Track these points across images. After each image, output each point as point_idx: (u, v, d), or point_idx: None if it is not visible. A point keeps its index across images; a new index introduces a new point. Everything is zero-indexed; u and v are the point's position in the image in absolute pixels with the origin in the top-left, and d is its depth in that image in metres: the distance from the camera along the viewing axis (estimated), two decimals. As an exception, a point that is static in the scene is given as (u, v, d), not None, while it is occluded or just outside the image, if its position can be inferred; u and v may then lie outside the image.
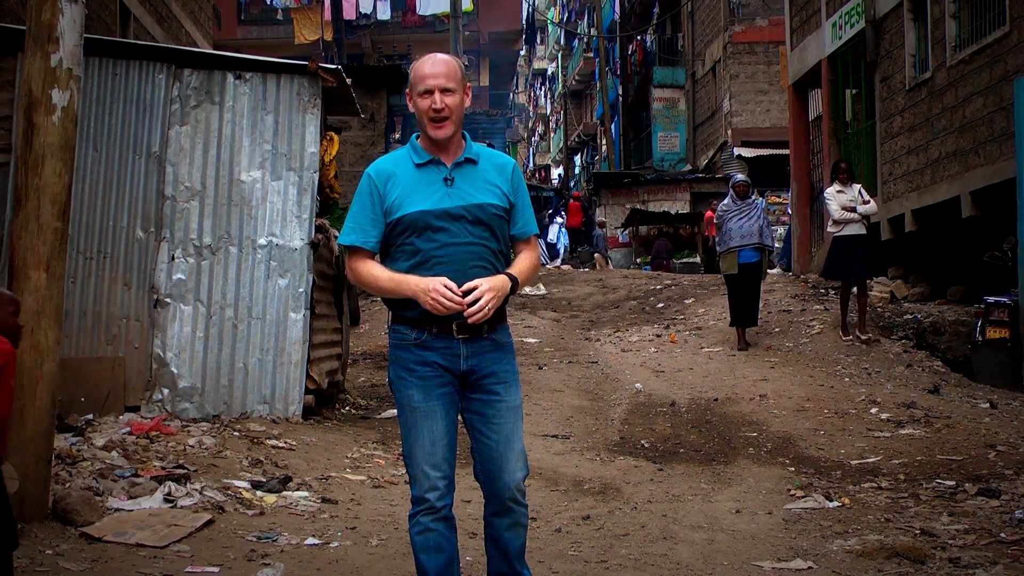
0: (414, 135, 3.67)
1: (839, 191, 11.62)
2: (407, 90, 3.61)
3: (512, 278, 3.54)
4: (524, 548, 3.72)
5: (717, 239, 12.28)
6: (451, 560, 3.58)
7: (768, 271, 13.13)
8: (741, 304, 11.89)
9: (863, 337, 11.43)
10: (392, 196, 3.55)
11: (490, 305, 3.43)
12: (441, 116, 3.51)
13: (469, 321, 3.44)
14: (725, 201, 12.19)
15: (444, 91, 3.51)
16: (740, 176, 12.59)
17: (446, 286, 3.40)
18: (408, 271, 3.52)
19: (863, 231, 11.55)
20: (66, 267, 5.07)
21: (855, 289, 11.59)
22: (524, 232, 3.70)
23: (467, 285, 3.43)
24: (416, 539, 3.55)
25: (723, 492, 6.60)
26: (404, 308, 3.57)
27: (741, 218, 11.83)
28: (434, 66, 3.54)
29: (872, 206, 11.74)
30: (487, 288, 3.43)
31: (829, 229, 11.81)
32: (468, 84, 3.63)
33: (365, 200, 3.58)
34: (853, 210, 11.41)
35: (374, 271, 3.56)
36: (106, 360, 7.70)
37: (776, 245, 12.51)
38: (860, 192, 11.70)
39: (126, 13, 14.81)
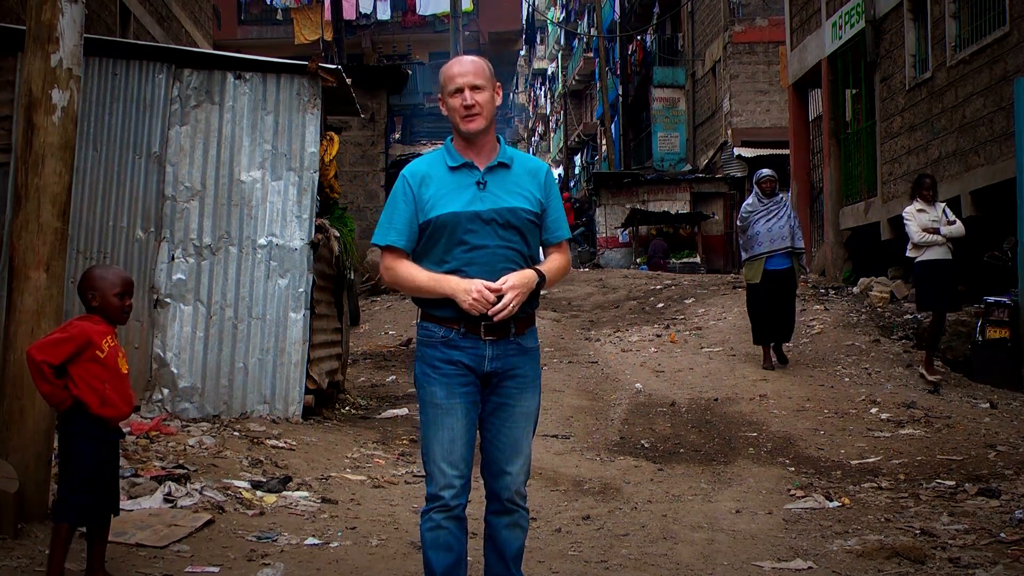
0: (448, 138, 3.69)
1: (920, 210, 10.03)
2: (439, 95, 3.65)
3: (540, 273, 3.58)
4: (522, 552, 3.73)
5: (741, 244, 10.99)
6: (459, 560, 3.59)
7: (802, 276, 11.67)
8: (768, 318, 10.53)
9: (931, 377, 9.96)
10: (425, 197, 3.58)
11: (514, 303, 3.48)
12: (472, 112, 3.54)
13: (495, 319, 3.48)
14: (749, 200, 10.81)
15: (473, 88, 3.55)
16: (766, 171, 10.88)
17: (487, 287, 3.46)
18: (439, 269, 3.56)
19: (950, 255, 9.97)
20: (66, 267, 5.07)
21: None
22: (556, 237, 3.73)
23: (497, 283, 3.47)
24: (426, 536, 3.56)
25: (723, 492, 6.60)
26: (435, 307, 3.59)
27: (769, 219, 10.48)
28: (462, 65, 3.59)
29: (959, 227, 10.02)
30: (511, 286, 3.47)
31: (909, 254, 10.20)
32: (498, 84, 3.67)
33: (399, 200, 3.61)
34: (936, 232, 9.89)
35: (412, 271, 3.59)
36: (106, 360, 7.69)
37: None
38: (945, 211, 10.13)
39: (126, 13, 14.81)
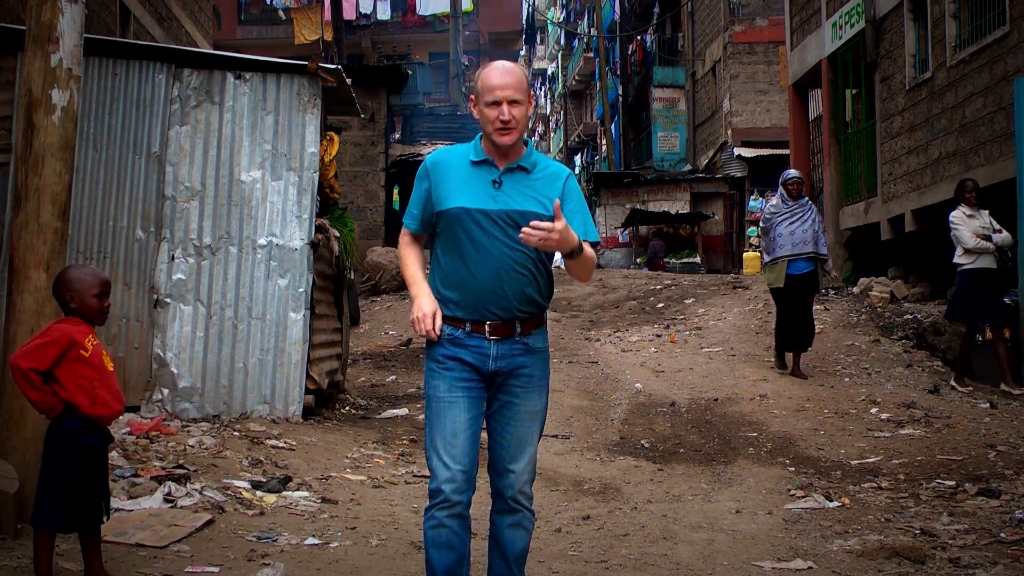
0: (479, 135, 3.69)
1: (969, 215, 9.69)
2: (471, 96, 3.64)
3: (580, 243, 3.50)
4: (525, 554, 3.73)
5: (763, 246, 10.62)
6: (461, 560, 3.58)
7: (822, 286, 11.36)
8: (792, 323, 10.21)
9: (1016, 391, 9.46)
10: (440, 187, 3.62)
11: (539, 236, 3.36)
12: (508, 127, 3.54)
13: (520, 236, 3.39)
14: (773, 202, 10.44)
15: (512, 103, 3.54)
16: (792, 172, 10.54)
17: (433, 321, 3.54)
18: (448, 264, 3.61)
19: (995, 265, 9.69)
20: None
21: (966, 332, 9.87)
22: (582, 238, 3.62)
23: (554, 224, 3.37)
24: (428, 533, 3.57)
25: (723, 492, 6.60)
26: (441, 305, 3.64)
27: (793, 222, 10.10)
28: (503, 77, 3.55)
29: (1006, 235, 9.71)
30: (558, 226, 3.36)
31: (958, 260, 9.77)
32: (532, 92, 3.65)
33: (418, 186, 3.71)
34: (988, 239, 9.59)
35: (407, 258, 3.76)
36: (106, 360, 7.69)
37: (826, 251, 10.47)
38: (991, 220, 9.80)
39: (126, 13, 14.81)
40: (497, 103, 3.54)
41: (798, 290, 10.15)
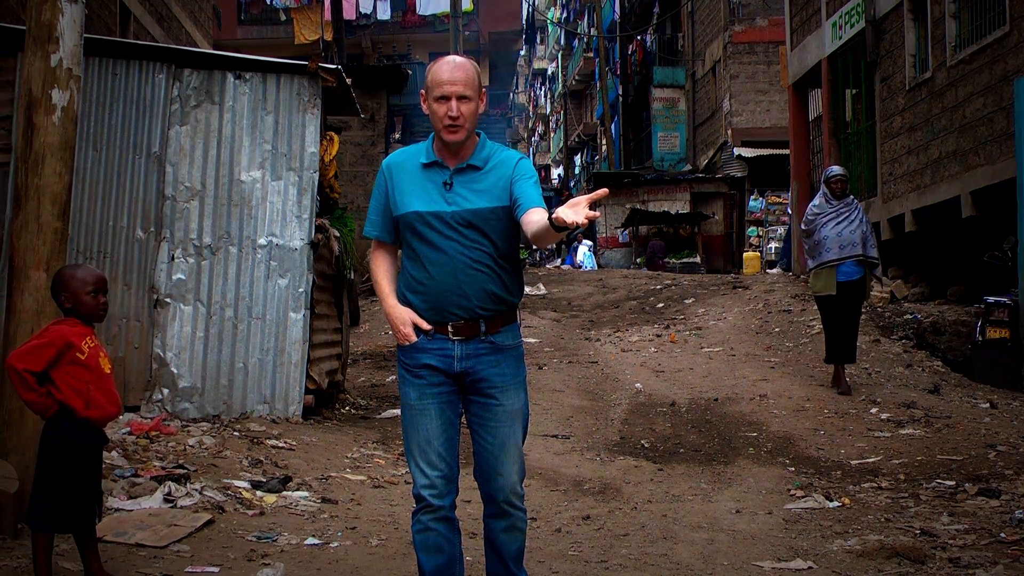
0: (432, 134, 3.66)
1: None
2: (422, 91, 3.59)
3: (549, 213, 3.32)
4: (522, 552, 3.72)
5: (805, 250, 9.77)
6: (451, 561, 3.59)
7: (871, 291, 10.43)
8: (840, 333, 9.39)
9: None
10: (396, 192, 3.60)
11: (587, 207, 3.15)
12: (456, 124, 3.50)
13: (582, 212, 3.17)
14: (816, 201, 9.57)
15: (461, 99, 3.49)
16: (837, 169, 9.72)
17: (414, 324, 3.56)
18: (409, 268, 3.61)
19: None
20: (66, 267, 5.06)
21: None
22: (530, 204, 3.45)
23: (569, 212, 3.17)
24: (416, 538, 3.59)
25: (723, 492, 6.60)
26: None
27: (840, 222, 9.27)
28: (452, 72, 3.50)
29: None
30: (583, 203, 3.17)
31: None
32: (483, 89, 3.61)
33: (377, 192, 3.68)
34: None
35: (378, 270, 3.71)
36: (106, 360, 7.69)
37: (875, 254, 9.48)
38: None
39: (126, 13, 14.82)
40: (446, 98, 3.48)
41: (847, 295, 9.33)
